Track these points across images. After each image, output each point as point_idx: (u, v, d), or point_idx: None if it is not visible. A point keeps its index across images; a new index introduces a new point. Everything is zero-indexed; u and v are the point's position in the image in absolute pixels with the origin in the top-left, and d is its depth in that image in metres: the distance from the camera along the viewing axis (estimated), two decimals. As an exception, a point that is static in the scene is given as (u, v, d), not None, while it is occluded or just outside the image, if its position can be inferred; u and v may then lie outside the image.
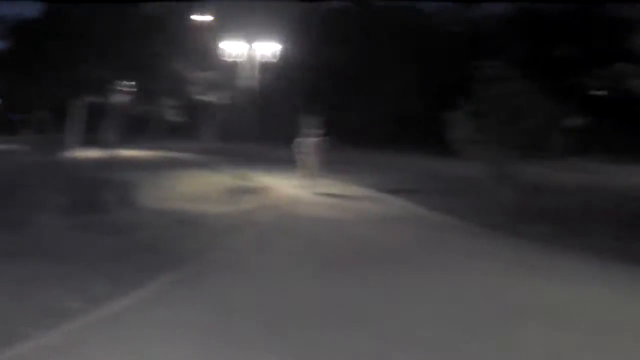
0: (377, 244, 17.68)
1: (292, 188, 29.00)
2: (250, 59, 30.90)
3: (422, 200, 25.20)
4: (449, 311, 11.07)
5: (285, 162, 35.88)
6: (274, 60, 31.64)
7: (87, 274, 12.64)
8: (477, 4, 63.05)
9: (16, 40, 70.96)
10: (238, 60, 31.52)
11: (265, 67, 32.42)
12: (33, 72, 56.50)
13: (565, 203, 24.36)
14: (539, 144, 27.04)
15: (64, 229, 17.71)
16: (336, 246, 17.11)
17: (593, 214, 22.07)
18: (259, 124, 35.86)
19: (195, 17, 32.78)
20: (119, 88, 39.25)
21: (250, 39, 31.70)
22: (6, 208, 19.81)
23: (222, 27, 33.67)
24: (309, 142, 27.91)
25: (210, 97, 37.68)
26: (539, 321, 10.59)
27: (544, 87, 29.40)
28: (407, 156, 44.17)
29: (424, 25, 63.29)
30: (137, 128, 55.33)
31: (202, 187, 28.85)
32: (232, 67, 33.55)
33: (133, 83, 39.42)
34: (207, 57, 34.84)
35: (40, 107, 56.92)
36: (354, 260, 15.35)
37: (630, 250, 16.17)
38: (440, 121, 28.35)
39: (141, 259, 14.14)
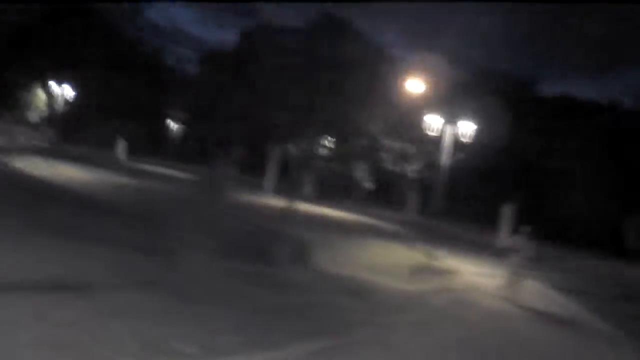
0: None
1: (479, 276, 28.09)
2: (449, 136, 30.25)
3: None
4: None
5: (476, 245, 35.01)
6: (469, 140, 30.94)
7: (223, 325, 12.31)
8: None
9: (209, 68, 73.00)
10: (436, 135, 30.96)
11: (461, 146, 31.83)
12: (225, 105, 57.72)
13: None
14: None
15: (222, 275, 17.42)
16: (492, 340, 16.51)
17: None
18: (451, 202, 35.15)
19: (406, 84, 32.36)
20: (317, 142, 39.38)
21: (451, 116, 31.07)
22: (165, 242, 19.59)
23: (427, 100, 33.24)
24: (515, 238, 25.23)
25: (403, 168, 37.32)
26: None
27: None
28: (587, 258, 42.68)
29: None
30: (332, 187, 55.67)
31: (385, 259, 28.22)
32: (429, 142, 33.11)
33: (326, 138, 39.52)
34: (406, 127, 34.49)
35: (232, 143, 58.38)
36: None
37: None
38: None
39: (290, 322, 13.62)
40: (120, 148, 75.87)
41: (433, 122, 31.48)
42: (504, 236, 43.50)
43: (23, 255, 14.85)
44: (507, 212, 44.26)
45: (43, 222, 20.23)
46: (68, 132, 64.05)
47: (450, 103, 33.57)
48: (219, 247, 19.22)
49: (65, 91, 52.22)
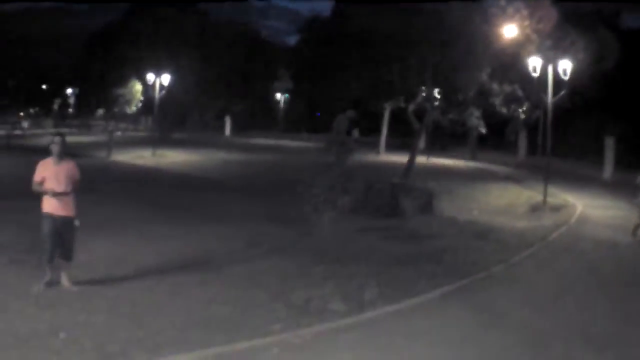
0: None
1: (592, 209, 28.48)
2: (550, 74, 30.80)
3: None
4: None
5: (584, 179, 35.50)
6: (568, 77, 31.32)
7: (364, 278, 13.20)
8: None
9: (310, 37, 73.01)
10: (539, 75, 31.51)
11: (563, 84, 32.17)
12: (329, 70, 58.16)
13: None
14: None
15: (356, 233, 18.73)
16: (612, 271, 16.89)
17: None
18: (558, 140, 35.60)
19: (503, 30, 33.02)
20: (424, 95, 40.07)
21: (551, 55, 31.54)
22: (299, 206, 20.26)
23: (527, 42, 33.67)
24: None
25: (513, 111, 37.68)
26: None
27: None
28: None
29: None
30: (445, 137, 56.42)
31: (502, 200, 29.16)
32: (533, 82, 33.52)
33: (439, 91, 40.11)
34: (510, 70, 34.97)
35: (342, 107, 58.28)
36: (629, 286, 15.27)
37: None
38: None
39: (424, 269, 14.49)
40: (228, 126, 77.01)
41: (535, 63, 31.99)
42: (609, 169, 43.83)
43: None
44: (610, 145, 44.43)
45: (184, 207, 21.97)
46: (168, 119, 65.01)
47: (550, 43, 33.93)
48: (349, 207, 20.05)
49: (162, 80, 53.42)
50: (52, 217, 11.61)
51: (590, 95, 44.19)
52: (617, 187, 34.52)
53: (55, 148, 11.63)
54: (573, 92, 36.51)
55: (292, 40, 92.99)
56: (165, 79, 54.20)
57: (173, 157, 42.61)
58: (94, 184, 22.83)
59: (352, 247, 16.60)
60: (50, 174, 11.59)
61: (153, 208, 22.38)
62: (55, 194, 11.51)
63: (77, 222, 11.91)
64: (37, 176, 11.61)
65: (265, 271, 13.60)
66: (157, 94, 53.98)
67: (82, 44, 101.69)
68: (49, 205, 11.64)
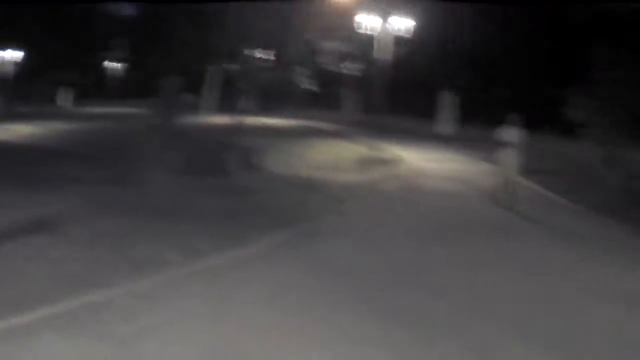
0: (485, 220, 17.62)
1: (424, 162, 28.91)
2: (385, 33, 30.78)
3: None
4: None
5: (418, 135, 35.95)
6: (408, 35, 31.42)
7: (193, 232, 13.14)
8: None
9: (144, 4, 72.65)
10: (372, 33, 31.44)
11: (399, 41, 32.24)
12: (162, 36, 57.81)
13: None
14: None
15: (180, 190, 18.40)
16: (444, 217, 17.21)
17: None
18: (393, 98, 35.75)
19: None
20: (253, 56, 39.63)
21: (385, 13, 31.57)
22: (129, 168, 20.46)
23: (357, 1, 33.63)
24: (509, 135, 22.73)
25: (343, 69, 37.68)
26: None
27: None
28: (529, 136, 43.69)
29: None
30: (274, 96, 55.89)
31: (332, 156, 29.05)
32: (366, 40, 33.52)
33: (268, 51, 39.79)
34: (341, 29, 34.83)
35: (171, 72, 58.55)
36: (457, 229, 15.59)
37: None
38: (559, 101, 27.68)
39: (254, 221, 14.49)
40: (63, 98, 75.66)
41: (367, 21, 31.89)
42: (444, 123, 44.51)
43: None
44: (446, 100, 45.13)
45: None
46: (11, 93, 63.72)
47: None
48: (178, 167, 20.23)
49: (9, 55, 52.22)
50: None
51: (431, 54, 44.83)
52: (456, 142, 35.19)
53: None
54: (413, 51, 36.87)
55: (129, 9, 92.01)
56: (14, 54, 53.07)
57: (18, 130, 41.22)
58: None
59: (185, 205, 16.49)
60: None
61: None
62: None
63: None
64: None
65: (106, 231, 13.25)
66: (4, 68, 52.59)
67: None
68: None
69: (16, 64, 54.44)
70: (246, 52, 40.22)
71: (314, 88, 38.88)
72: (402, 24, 31.31)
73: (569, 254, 13.86)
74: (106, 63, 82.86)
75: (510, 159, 19.47)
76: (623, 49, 27.08)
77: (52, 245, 11.83)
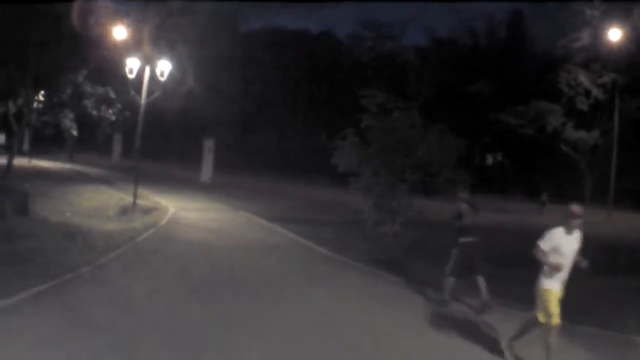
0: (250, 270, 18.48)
1: (184, 211, 29.97)
2: (147, 76, 31.48)
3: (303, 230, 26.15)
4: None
5: (181, 182, 36.72)
6: (165, 79, 32.22)
7: None
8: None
9: None
10: (133, 76, 32.08)
11: (160, 85, 32.95)
12: None
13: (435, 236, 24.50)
14: (429, 177, 27.30)
15: None
16: (200, 270, 17.75)
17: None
18: (159, 143, 36.51)
19: (113, 31, 33.32)
20: (27, 97, 39.57)
21: (148, 56, 32.28)
22: None
23: (126, 45, 34.24)
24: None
25: (104, 112, 38.11)
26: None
27: (453, 122, 29.25)
28: (295, 184, 45.08)
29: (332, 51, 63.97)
30: (46, 139, 55.10)
31: (94, 203, 29.53)
32: (127, 83, 34.07)
33: (41, 92, 39.73)
34: (107, 71, 35.33)
35: None
36: (220, 286, 16.04)
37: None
38: (329, 150, 28.05)
39: (17, 268, 14.87)
40: None
41: (133, 65, 32.33)
42: (206, 172, 45.51)
43: None
44: (207, 148, 46.09)
45: None
46: None
47: (151, 44, 34.60)
48: None
49: None
50: None
51: (190, 97, 45.53)
52: (215, 189, 35.99)
53: None
54: (171, 94, 37.46)
55: None
56: None
57: None
58: None
59: None
60: None
61: None
62: None
63: None
64: None
65: None
66: None
67: None
68: None
69: None
70: (21, 92, 39.97)
71: (75, 132, 38.85)
72: (165, 67, 32.04)
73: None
74: None
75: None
76: (390, 94, 27.75)
77: None
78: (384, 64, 66.90)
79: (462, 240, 15.06)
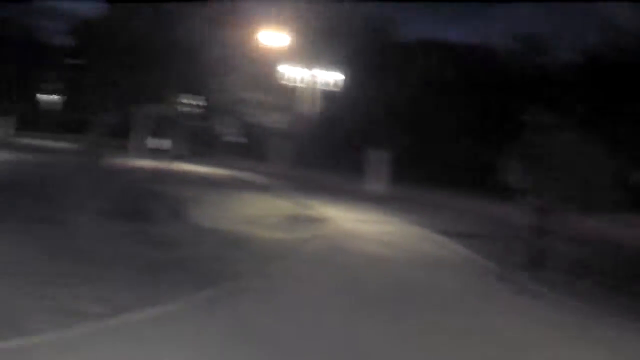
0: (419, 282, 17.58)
1: (352, 222, 28.75)
2: (311, 85, 30.62)
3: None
4: None
5: (346, 192, 35.74)
6: (336, 89, 31.37)
7: (117, 283, 12.87)
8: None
9: (78, 39, 72.54)
10: (298, 85, 31.27)
11: (326, 95, 32.17)
12: (95, 73, 57.47)
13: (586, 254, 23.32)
14: (589, 196, 26.31)
15: (106, 236, 17.94)
16: (373, 284, 16.73)
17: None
18: (320, 151, 35.66)
19: (261, 37, 32.76)
20: (184, 101, 39.51)
21: (311, 65, 31.47)
22: (54, 209, 19.96)
23: (285, 52, 33.63)
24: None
25: (267, 120, 37.71)
26: None
27: (606, 140, 28.42)
28: (461, 198, 44.13)
29: (487, 63, 62.85)
30: (202, 144, 55.59)
31: (258, 211, 28.81)
32: (291, 92, 33.47)
33: (198, 98, 39.84)
34: (266, 80, 34.81)
35: (103, 110, 58.80)
36: (386, 298, 15.09)
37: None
38: (494, 165, 27.68)
39: (177, 276, 14.19)
40: (3, 126, 75.10)
41: (292, 73, 31.82)
42: (373, 182, 44.37)
43: None
44: (376, 158, 45.00)
45: None
46: None
47: (312, 52, 34.00)
48: (102, 211, 19.76)
49: None
50: None
51: (358, 108, 44.78)
52: (381, 201, 34.99)
53: None
54: (340, 105, 36.73)
55: (60, 40, 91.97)
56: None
57: None
58: None
59: (106, 251, 16.08)
60: None
61: None
62: None
63: None
64: None
65: (22, 274, 12.91)
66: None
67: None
68: None
69: None
70: (177, 97, 40.00)
71: (242, 138, 38.69)
72: (330, 77, 31.22)
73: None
74: (41, 95, 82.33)
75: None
76: (556, 111, 27.23)
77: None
78: (539, 78, 65.49)
79: None
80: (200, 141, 52.49)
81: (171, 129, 37.77)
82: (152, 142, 40.73)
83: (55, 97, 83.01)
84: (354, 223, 28.47)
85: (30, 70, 76.74)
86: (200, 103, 39.77)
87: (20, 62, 74.64)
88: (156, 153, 42.61)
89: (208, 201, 29.09)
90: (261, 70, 34.04)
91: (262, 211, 28.87)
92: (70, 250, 15.49)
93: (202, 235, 20.63)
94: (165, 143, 38.70)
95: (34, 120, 79.19)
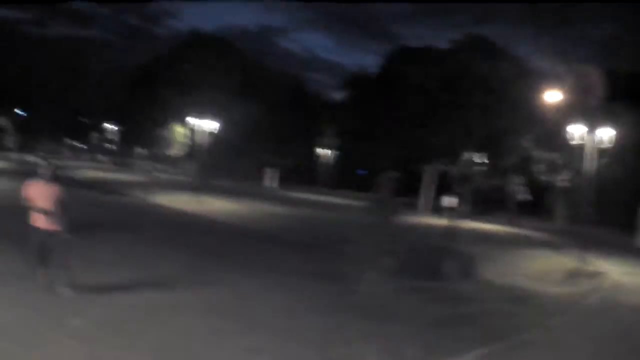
0: None
1: (626, 275, 29.30)
2: (590, 143, 31.06)
3: None
4: None
5: (619, 247, 35.72)
6: (610, 146, 31.65)
7: (403, 338, 13.82)
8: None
9: (355, 92, 73.66)
10: (579, 143, 31.77)
11: (603, 152, 32.42)
12: (377, 129, 58.59)
13: None
14: None
15: (398, 293, 19.10)
16: None
17: None
18: (597, 209, 35.91)
19: (546, 96, 33.52)
20: (469, 159, 40.60)
21: (591, 122, 31.88)
22: (339, 262, 21.17)
23: (568, 109, 34.21)
24: None
25: (553, 178, 38.08)
26: None
27: None
28: None
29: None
30: (486, 202, 55.99)
31: (540, 266, 29.41)
32: (573, 150, 33.82)
33: (481, 155, 40.70)
34: (553, 138, 35.36)
35: (386, 167, 58.98)
36: None
37: None
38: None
39: (465, 330, 15.12)
40: (270, 178, 77.16)
41: (576, 131, 32.24)
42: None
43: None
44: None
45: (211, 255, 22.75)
46: (211, 165, 65.75)
47: (591, 110, 34.36)
48: (392, 267, 19.93)
49: (206, 125, 54.51)
50: (38, 229, 13.79)
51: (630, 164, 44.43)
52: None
53: (44, 171, 13.89)
54: (614, 160, 36.83)
55: (335, 94, 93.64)
56: (210, 125, 55.14)
57: (213, 204, 42.80)
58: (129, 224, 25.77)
59: (392, 307, 17.17)
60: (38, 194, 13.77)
61: (193, 252, 22.95)
62: (42, 211, 13.67)
63: (66, 236, 13.99)
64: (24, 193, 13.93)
65: (307, 327, 14.07)
66: (200, 139, 54.75)
67: (122, 81, 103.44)
68: (37, 220, 13.80)
69: (211, 134, 56.53)
70: (464, 154, 41.16)
71: (528, 197, 39.27)
72: (606, 134, 31.59)
73: None
74: (319, 149, 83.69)
75: None
76: None
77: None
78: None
79: None
80: (486, 199, 53.09)
81: (460, 187, 38.96)
82: (445, 200, 41.82)
83: (329, 152, 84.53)
84: (627, 276, 29.08)
85: (307, 122, 78.74)
86: (485, 160, 40.73)
87: (291, 114, 77.17)
88: (446, 211, 43.63)
89: (494, 258, 29.95)
90: (548, 129, 34.78)
91: (542, 266, 29.44)
92: (352, 306, 16.58)
93: (488, 291, 21.59)
94: (454, 201, 39.70)
95: (306, 173, 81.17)
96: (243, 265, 21.30)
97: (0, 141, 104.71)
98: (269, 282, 18.72)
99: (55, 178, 14.13)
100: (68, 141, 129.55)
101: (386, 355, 12.30)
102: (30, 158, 75.09)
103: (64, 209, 13.95)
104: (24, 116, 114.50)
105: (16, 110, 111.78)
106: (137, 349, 11.18)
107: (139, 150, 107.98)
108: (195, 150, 67.48)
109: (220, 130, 58.39)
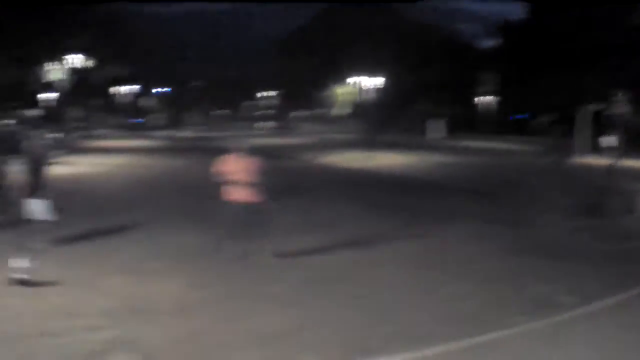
0: None
1: None
2: None
3: None
4: None
5: None
6: None
7: (580, 274, 14.53)
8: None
9: (507, 40, 73.09)
10: None
11: None
12: (531, 74, 58.44)
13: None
14: None
15: (568, 231, 19.74)
16: None
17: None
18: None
19: None
20: (622, 99, 40.54)
21: None
22: (516, 207, 22.28)
23: None
24: None
25: None
26: None
27: None
28: None
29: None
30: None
31: None
32: None
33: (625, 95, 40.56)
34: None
35: (542, 110, 60.37)
36: None
37: None
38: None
39: (626, 267, 15.38)
40: (433, 129, 77.52)
41: None
42: None
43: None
44: None
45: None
46: (376, 121, 66.24)
47: None
48: (568, 208, 21.55)
49: (370, 82, 55.46)
50: (235, 203, 14.57)
51: None
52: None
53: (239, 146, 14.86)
54: None
55: (484, 44, 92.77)
56: (375, 81, 55.88)
57: (383, 159, 44.22)
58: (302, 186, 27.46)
59: (569, 246, 17.77)
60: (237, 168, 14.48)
61: (378, 209, 24.00)
62: (243, 184, 14.48)
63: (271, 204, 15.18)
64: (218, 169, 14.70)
65: (494, 269, 15.01)
66: (365, 95, 55.70)
67: (273, 47, 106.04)
68: (234, 193, 14.54)
69: (376, 90, 57.28)
70: (617, 95, 41.29)
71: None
72: None
73: None
74: (478, 97, 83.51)
75: None
76: None
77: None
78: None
79: None
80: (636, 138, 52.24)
81: (613, 127, 39.16)
82: (604, 140, 41.90)
83: (488, 99, 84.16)
84: None
85: (464, 72, 78.77)
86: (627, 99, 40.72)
87: (454, 65, 77.25)
88: (605, 150, 43.20)
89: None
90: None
91: None
92: (537, 247, 17.37)
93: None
94: (614, 140, 39.83)
95: (467, 122, 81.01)
96: (427, 217, 22.28)
97: (151, 120, 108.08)
98: (459, 232, 19.59)
99: (250, 151, 14.96)
100: (220, 112, 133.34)
101: (571, 291, 12.98)
102: (186, 133, 76.16)
103: (263, 179, 14.81)
104: (170, 93, 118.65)
105: (156, 90, 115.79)
106: (342, 305, 12.24)
107: (299, 113, 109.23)
108: (359, 108, 68.34)
109: (384, 85, 59.04)
